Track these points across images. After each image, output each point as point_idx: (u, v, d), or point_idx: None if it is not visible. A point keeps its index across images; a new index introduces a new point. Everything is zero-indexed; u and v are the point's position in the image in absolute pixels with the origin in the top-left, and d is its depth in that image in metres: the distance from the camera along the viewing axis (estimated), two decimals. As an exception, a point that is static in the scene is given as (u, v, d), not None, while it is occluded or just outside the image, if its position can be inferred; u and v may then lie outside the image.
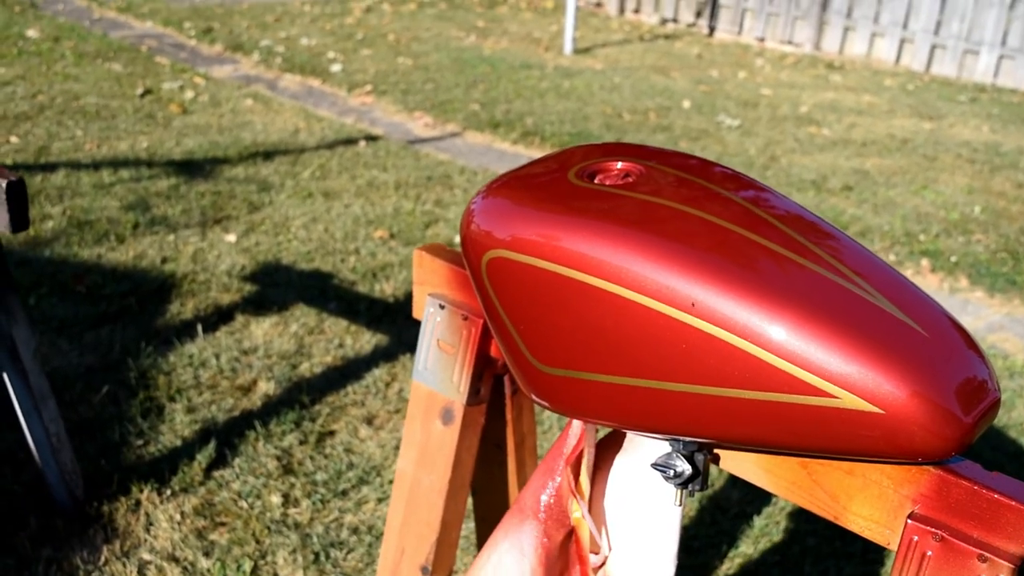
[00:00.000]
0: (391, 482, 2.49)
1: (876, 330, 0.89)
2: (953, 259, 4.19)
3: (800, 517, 2.47)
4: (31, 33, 7.09)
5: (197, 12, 8.40)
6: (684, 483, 1.04)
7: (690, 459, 1.04)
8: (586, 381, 1.02)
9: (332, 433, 2.68)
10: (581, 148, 1.15)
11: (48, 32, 7.19)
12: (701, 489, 1.06)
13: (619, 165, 1.09)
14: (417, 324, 3.27)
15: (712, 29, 9.57)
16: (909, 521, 0.94)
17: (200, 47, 7.27)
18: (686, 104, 6.52)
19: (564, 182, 1.07)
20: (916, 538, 0.93)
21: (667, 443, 1.07)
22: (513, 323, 1.06)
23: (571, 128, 5.71)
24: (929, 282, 4.00)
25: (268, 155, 4.85)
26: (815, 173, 5.21)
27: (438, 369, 1.30)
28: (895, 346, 0.88)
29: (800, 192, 4.88)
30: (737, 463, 1.06)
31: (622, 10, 10.19)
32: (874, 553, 2.37)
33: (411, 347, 3.12)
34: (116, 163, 4.56)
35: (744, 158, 5.37)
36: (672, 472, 1.03)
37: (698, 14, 9.67)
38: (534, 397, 1.10)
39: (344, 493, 2.45)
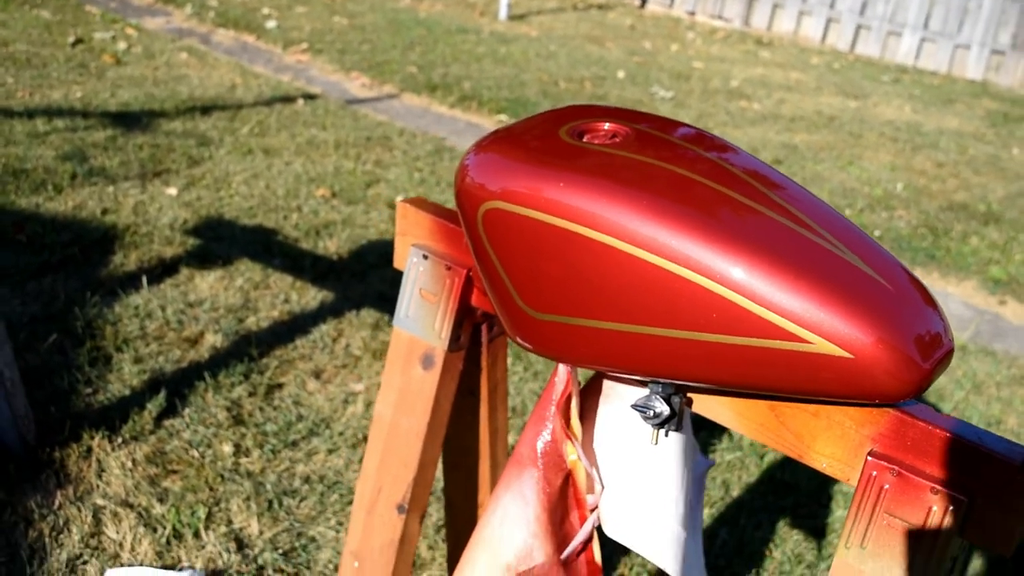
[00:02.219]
0: (340, 434, 2.55)
1: (847, 283, 0.98)
2: (877, 233, 4.35)
3: (742, 479, 2.58)
4: (-46, -24, 6.91)
5: (127, -38, 8.24)
6: (661, 423, 1.12)
7: (667, 401, 1.12)
8: (573, 326, 1.10)
9: (280, 386, 2.72)
10: (568, 108, 1.22)
11: (-28, -24, 7.02)
12: (676, 429, 1.14)
13: (607, 126, 1.16)
14: (362, 281, 3.32)
15: (644, 1, 9.67)
16: (869, 458, 1.03)
17: (131, -2, 7.16)
18: (620, 74, 6.61)
19: (557, 139, 1.13)
20: (875, 473, 1.02)
21: (647, 386, 1.14)
22: (506, 271, 1.13)
23: (508, 94, 5.76)
24: (854, 254, 4.15)
25: (205, 110, 4.82)
26: (746, 146, 5.35)
27: (420, 316, 1.36)
28: (864, 297, 0.97)
29: (731, 164, 5.00)
30: (710, 407, 1.15)
31: (556, -22, 10.24)
32: (806, 508, 2.49)
33: (356, 304, 3.16)
34: (50, 112, 4.51)
35: (677, 129, 5.48)
36: (651, 412, 1.11)
37: (631, -15, 9.76)
38: (520, 340, 1.17)
39: (294, 444, 2.50)
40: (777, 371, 1.00)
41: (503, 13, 8.02)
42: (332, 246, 3.55)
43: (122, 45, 5.80)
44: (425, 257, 1.35)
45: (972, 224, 4.59)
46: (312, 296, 3.19)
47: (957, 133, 6.21)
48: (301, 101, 5.21)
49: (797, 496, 2.52)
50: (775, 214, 1.03)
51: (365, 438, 2.52)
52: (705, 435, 2.73)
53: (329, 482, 2.37)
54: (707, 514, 2.42)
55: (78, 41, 5.75)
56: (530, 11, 8.51)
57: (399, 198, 4.04)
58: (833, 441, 1.07)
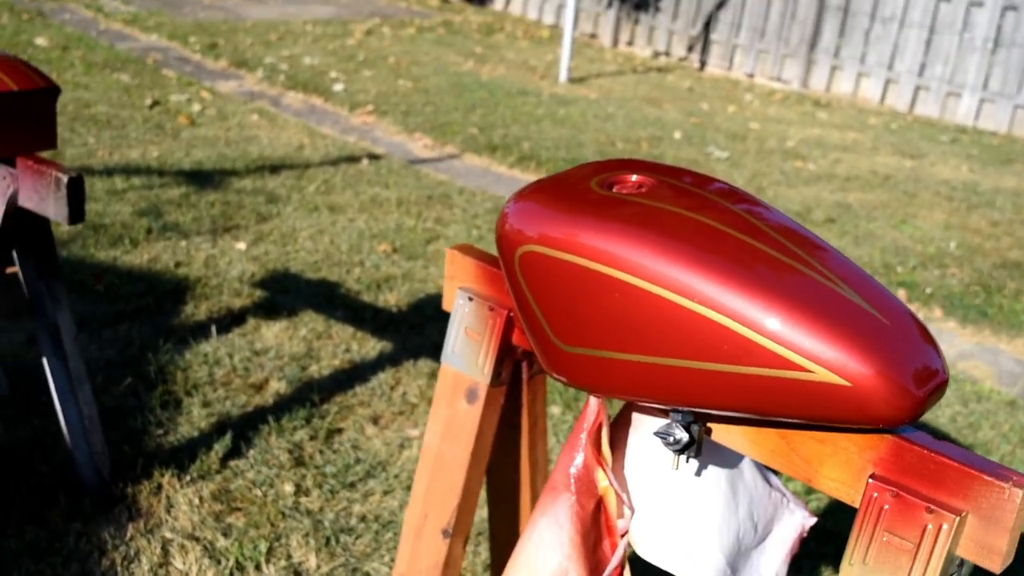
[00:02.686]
0: (396, 476, 2.66)
1: (846, 317, 1.08)
2: (928, 291, 4.40)
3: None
4: (40, 41, 7.26)
5: (201, 27, 8.58)
6: (681, 450, 1.22)
7: (687, 428, 1.22)
8: (600, 358, 1.21)
9: (340, 430, 2.85)
10: (600, 163, 1.34)
11: (56, 41, 7.37)
12: (696, 455, 1.24)
13: (634, 177, 1.28)
14: (420, 333, 3.45)
15: (703, 63, 9.82)
16: (870, 481, 1.12)
17: (205, 62, 7.46)
18: (677, 135, 6.74)
19: (587, 190, 1.25)
20: (876, 495, 1.12)
21: (669, 416, 1.25)
22: (540, 308, 1.24)
23: (566, 154, 5.92)
24: (905, 311, 4.20)
25: (274, 169, 5.03)
26: (799, 205, 5.43)
27: (465, 353, 1.48)
28: (861, 331, 1.07)
29: (785, 222, 5.08)
30: (726, 434, 1.25)
31: (616, 42, 10.44)
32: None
33: (414, 354, 3.29)
34: (128, 170, 4.73)
35: (732, 188, 5.57)
36: (672, 439, 1.21)
37: (690, 48, 9.92)
38: (555, 375, 1.28)
39: (352, 485, 2.62)
40: (783, 398, 1.10)
41: (563, 76, 8.21)
42: (392, 299, 3.69)
43: (196, 107, 6.06)
44: (470, 299, 1.47)
45: (1026, 282, 4.62)
46: (372, 346, 3.32)
47: (1014, 192, 6.23)
48: (365, 161, 5.40)
49: (839, 544, 2.57)
50: (783, 256, 1.13)
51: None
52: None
53: (384, 521, 2.48)
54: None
55: (155, 103, 6.02)
56: (590, 74, 8.70)
57: (457, 253, 4.18)
58: (838, 466, 1.16)
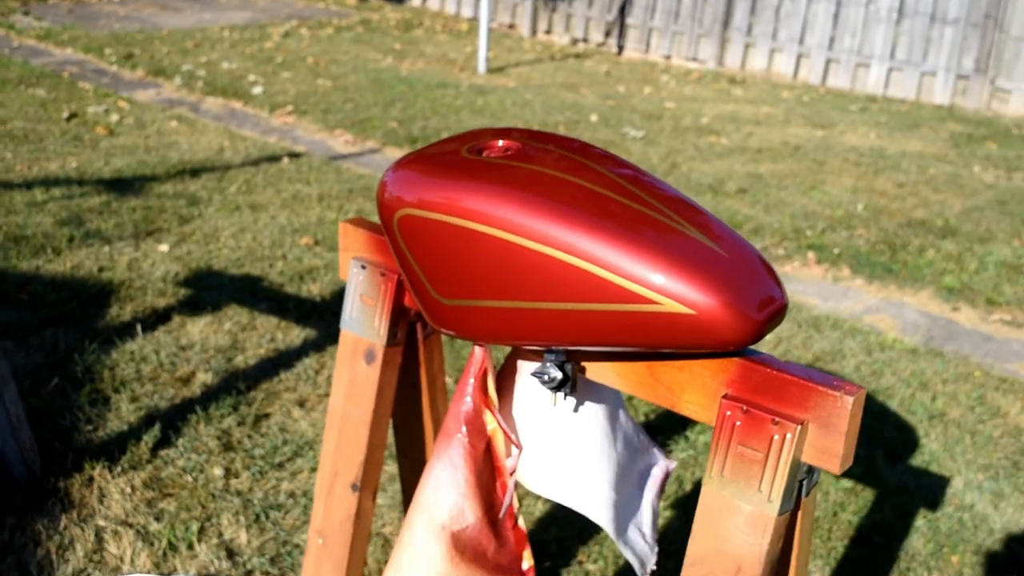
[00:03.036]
0: (323, 455, 2.75)
1: (688, 254, 1.20)
2: (836, 251, 4.57)
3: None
4: (-47, 61, 7.21)
5: (117, 39, 8.56)
6: (557, 387, 1.34)
7: (561, 367, 1.33)
8: (480, 308, 1.31)
9: (267, 415, 2.93)
10: (470, 132, 1.45)
11: (-31, 60, 7.32)
12: (572, 393, 1.35)
13: (500, 143, 1.39)
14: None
15: (621, 48, 9.98)
16: (723, 400, 1.24)
17: (122, 72, 7.45)
18: (593, 118, 6.87)
19: (458, 156, 1.36)
20: (728, 412, 1.23)
21: (544, 356, 1.36)
22: (420, 267, 1.35)
23: (485, 142, 6.02)
24: (814, 272, 4.37)
25: (195, 172, 5.07)
26: (712, 178, 5.58)
27: (361, 318, 1.58)
28: (701, 264, 1.19)
29: (698, 195, 5.24)
30: (598, 371, 1.36)
31: (534, 31, 10.56)
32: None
33: (338, 339, 3.38)
34: (48, 182, 4.75)
35: (647, 165, 5.72)
36: (547, 377, 1.32)
37: (607, 33, 10.07)
38: (441, 328, 1.38)
39: (280, 465, 2.70)
40: (638, 329, 1.21)
41: (482, 67, 8.32)
42: (315, 289, 3.78)
43: (115, 117, 6.07)
44: (363, 267, 1.57)
45: (929, 238, 4.81)
46: (296, 335, 3.40)
47: (919, 155, 6.45)
48: (286, 160, 5.46)
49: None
50: (632, 202, 1.25)
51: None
52: (662, 438, 2.93)
53: (312, 496, 2.57)
54: (662, 505, 2.62)
55: (72, 116, 6.02)
56: (508, 64, 8.81)
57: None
58: (696, 390, 1.28)
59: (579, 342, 1.27)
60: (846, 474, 2.81)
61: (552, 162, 1.32)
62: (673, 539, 2.48)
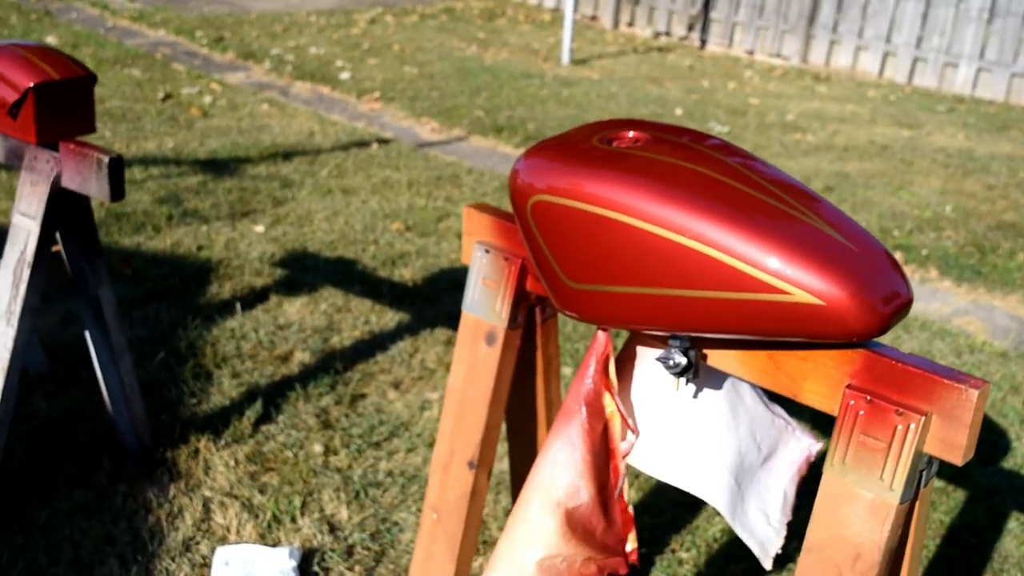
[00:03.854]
0: (419, 435, 2.82)
1: (820, 247, 1.23)
2: (924, 252, 4.54)
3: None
4: (50, 40, 7.41)
5: (207, 21, 8.73)
6: (681, 372, 1.38)
7: (685, 353, 1.37)
8: (607, 293, 1.36)
9: (363, 395, 3.01)
10: (599, 123, 1.49)
11: (66, 39, 7.51)
12: (695, 377, 1.39)
13: (631, 134, 1.43)
14: (435, 304, 3.60)
15: (704, 42, 9.94)
16: (847, 390, 1.27)
17: (213, 55, 7.60)
18: (678, 112, 6.87)
19: (590, 145, 1.40)
20: (852, 402, 1.27)
21: (668, 344, 1.40)
22: (551, 251, 1.39)
23: (570, 133, 6.05)
24: (902, 273, 4.34)
25: (287, 155, 5.18)
26: (799, 175, 5.56)
27: (484, 301, 1.63)
28: (833, 258, 1.22)
29: (785, 192, 5.22)
30: (721, 358, 1.40)
31: (616, 23, 10.56)
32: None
33: (430, 323, 3.45)
34: (146, 161, 4.89)
35: (733, 161, 5.71)
36: (671, 362, 1.37)
37: (690, 27, 10.04)
38: (567, 312, 1.43)
39: (377, 444, 2.78)
40: (767, 319, 1.25)
41: (565, 58, 8.35)
42: (407, 274, 3.85)
43: (208, 99, 6.21)
44: (487, 251, 1.62)
45: (1019, 242, 4.76)
46: (390, 318, 3.48)
47: (1009, 157, 6.36)
48: (375, 145, 5.54)
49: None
50: (765, 196, 1.28)
51: (440, 438, 2.78)
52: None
53: (409, 475, 2.64)
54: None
55: (167, 96, 6.17)
56: (591, 55, 8.83)
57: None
58: (819, 380, 1.31)
59: (705, 329, 1.31)
60: (938, 474, 2.81)
61: (683, 153, 1.36)
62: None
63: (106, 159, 2.09)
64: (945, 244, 4.66)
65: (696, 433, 1.50)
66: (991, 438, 3.03)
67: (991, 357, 3.57)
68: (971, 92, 8.60)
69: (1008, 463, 2.91)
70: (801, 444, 1.62)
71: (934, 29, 8.78)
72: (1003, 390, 3.31)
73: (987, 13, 8.50)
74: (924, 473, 1.29)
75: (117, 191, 2.12)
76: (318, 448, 2.73)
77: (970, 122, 7.34)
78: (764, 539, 1.53)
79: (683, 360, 1.36)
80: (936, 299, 4.10)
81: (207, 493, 2.52)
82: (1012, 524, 2.63)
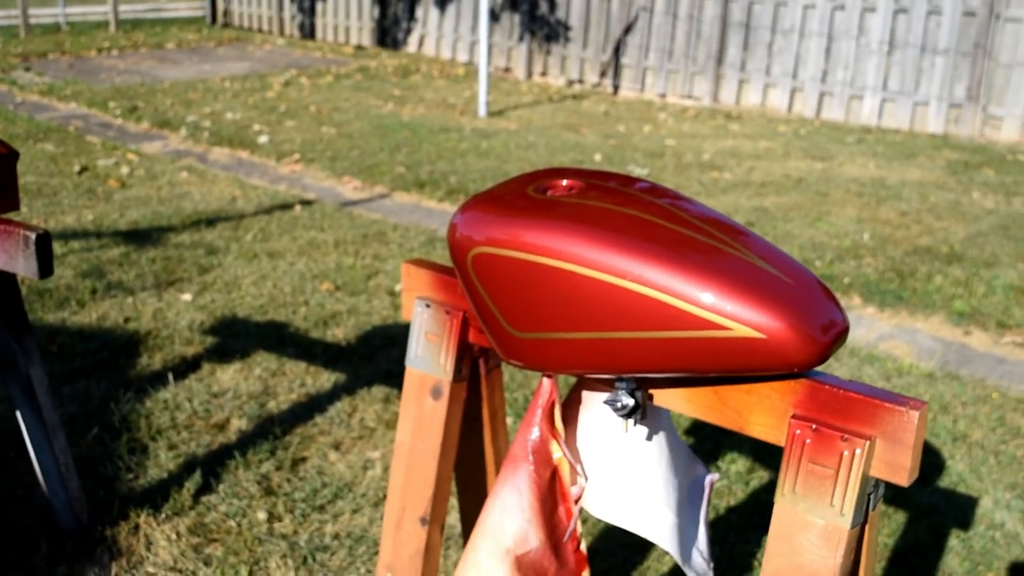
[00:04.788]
0: (363, 495, 2.79)
1: (756, 282, 1.26)
2: (847, 280, 4.64)
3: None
4: (-40, 120, 7.30)
5: (120, 92, 8.66)
6: (628, 414, 1.39)
7: (631, 394, 1.39)
8: (551, 340, 1.37)
9: (304, 459, 2.98)
10: (533, 172, 1.51)
11: (-23, 118, 7.41)
12: (642, 419, 1.41)
13: (565, 182, 1.45)
14: (371, 362, 3.59)
15: (616, 88, 10.11)
16: (792, 420, 1.30)
17: (127, 125, 7.54)
18: (597, 157, 6.97)
19: (525, 195, 1.42)
20: (798, 432, 1.29)
21: (615, 387, 1.41)
22: (494, 302, 1.41)
23: (493, 184, 6.10)
24: (826, 302, 4.43)
25: (210, 222, 5.14)
26: (720, 213, 5.66)
27: (427, 355, 1.63)
28: (770, 292, 1.25)
29: (707, 230, 5.31)
30: (666, 397, 1.42)
31: (530, 74, 10.69)
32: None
33: (367, 382, 3.43)
34: (65, 235, 4.82)
35: (654, 203, 5.80)
36: (619, 404, 1.38)
37: (602, 74, 10.21)
38: (511, 360, 1.44)
39: (322, 508, 2.74)
40: (710, 355, 1.27)
41: (482, 111, 8.43)
42: (340, 333, 3.83)
43: (125, 169, 6.15)
44: (428, 306, 1.63)
45: (936, 265, 4.89)
46: (326, 379, 3.45)
47: (919, 184, 6.55)
48: (299, 207, 5.53)
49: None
50: (698, 235, 1.31)
51: (385, 498, 2.76)
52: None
53: (356, 537, 2.62)
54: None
55: (83, 169, 6.10)
56: (508, 106, 8.93)
57: (398, 287, 4.33)
58: (764, 412, 1.34)
59: (650, 369, 1.32)
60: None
61: (615, 197, 1.38)
62: (714, 567, 2.52)
63: (33, 236, 2.06)
64: (866, 271, 4.78)
65: (641, 474, 1.51)
66: (926, 458, 3.10)
67: (919, 379, 3.65)
68: (877, 122, 8.86)
69: (944, 482, 2.98)
70: (703, 474, 1.65)
71: (838, 63, 9.04)
72: (933, 410, 3.39)
73: (887, 45, 8.78)
74: (872, 496, 1.32)
75: (46, 268, 2.09)
76: (262, 515, 2.69)
77: (879, 151, 7.55)
78: (702, 574, 1.55)
79: (630, 401, 1.38)
80: (862, 325, 4.19)
81: (150, 569, 2.46)
82: (954, 542, 2.68)
